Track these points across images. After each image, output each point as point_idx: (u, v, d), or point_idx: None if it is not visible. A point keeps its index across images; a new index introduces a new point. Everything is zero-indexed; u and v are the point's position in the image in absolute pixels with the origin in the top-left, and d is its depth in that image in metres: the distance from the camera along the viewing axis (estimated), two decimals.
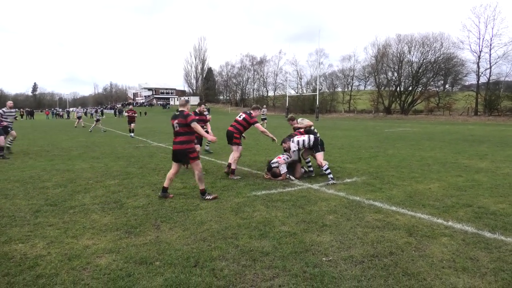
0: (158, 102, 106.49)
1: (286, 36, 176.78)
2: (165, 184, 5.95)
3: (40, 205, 5.45)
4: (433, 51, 50.64)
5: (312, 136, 7.43)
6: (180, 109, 5.91)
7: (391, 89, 55.42)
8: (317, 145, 7.29)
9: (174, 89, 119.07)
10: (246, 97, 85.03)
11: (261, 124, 7.77)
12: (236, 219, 4.78)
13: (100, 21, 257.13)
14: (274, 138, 7.66)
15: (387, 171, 8.19)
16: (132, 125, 19.08)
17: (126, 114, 19.87)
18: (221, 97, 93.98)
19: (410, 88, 53.33)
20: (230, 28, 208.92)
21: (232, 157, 7.50)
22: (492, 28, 44.14)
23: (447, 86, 55.49)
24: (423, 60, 51.49)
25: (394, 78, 55.24)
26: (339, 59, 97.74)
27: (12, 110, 12.05)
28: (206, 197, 5.75)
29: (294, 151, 7.41)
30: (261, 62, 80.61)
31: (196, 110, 9.34)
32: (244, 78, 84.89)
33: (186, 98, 7.72)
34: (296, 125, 8.36)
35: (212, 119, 13.24)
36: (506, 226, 4.40)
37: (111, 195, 6.11)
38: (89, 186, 6.82)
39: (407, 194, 6.06)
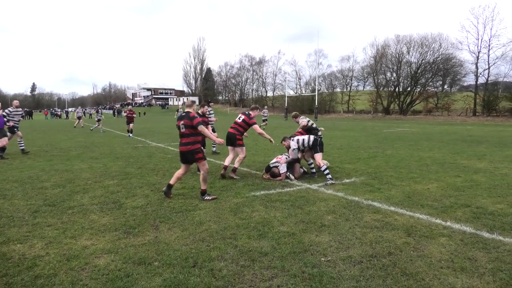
0: (157, 103, 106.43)
1: (285, 36, 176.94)
2: (171, 181, 5.96)
3: (38, 206, 5.44)
4: (431, 51, 50.74)
5: (312, 136, 7.45)
6: (186, 110, 5.92)
7: (390, 89, 55.47)
8: (316, 146, 7.31)
9: (173, 89, 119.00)
10: (245, 98, 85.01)
11: (261, 125, 7.84)
12: (235, 219, 4.78)
13: (99, 22, 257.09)
14: (271, 139, 7.67)
15: (385, 171, 8.21)
16: (131, 125, 19.08)
17: (125, 114, 19.85)
18: (220, 98, 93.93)
19: (409, 89, 53.39)
20: (229, 28, 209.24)
21: (238, 158, 7.56)
22: (491, 29, 44.23)
23: (445, 86, 55.61)
24: (421, 61, 51.56)
25: (393, 78, 55.32)
26: (338, 59, 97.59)
27: (19, 110, 12.02)
28: (206, 198, 5.75)
29: (293, 149, 7.44)
30: (260, 62, 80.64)
31: (199, 111, 9.31)
32: (243, 79, 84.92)
33: (193, 99, 7.70)
34: (297, 121, 8.51)
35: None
36: (504, 226, 4.41)
37: (109, 195, 6.11)
38: (88, 186, 6.81)
39: (406, 194, 6.07)
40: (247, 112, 7.75)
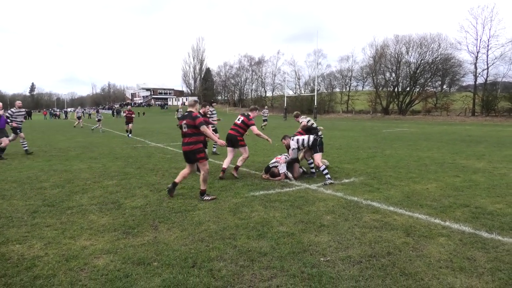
0: (156, 103, 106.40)
1: (285, 36, 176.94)
2: (177, 179, 5.97)
3: (37, 206, 5.43)
4: (430, 51, 50.77)
5: (311, 136, 7.48)
6: (188, 109, 5.92)
7: (389, 89, 55.49)
8: (316, 146, 7.32)
9: (172, 89, 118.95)
10: (244, 98, 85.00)
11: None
12: (234, 219, 4.78)
13: (99, 22, 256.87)
14: (269, 139, 7.72)
15: (384, 171, 8.21)
16: (130, 125, 19.06)
17: (124, 114, 19.83)
18: (219, 98, 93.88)
19: (408, 89, 53.42)
20: (228, 28, 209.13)
21: (241, 157, 7.65)
22: (490, 29, 44.27)
23: (444, 86, 55.61)
24: (420, 61, 51.60)
25: (392, 78, 55.33)
26: (337, 59, 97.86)
27: (22, 110, 12.00)
28: (205, 198, 5.75)
29: (293, 149, 7.47)
30: (259, 62, 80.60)
31: (200, 111, 9.30)
32: (242, 79, 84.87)
33: (195, 98, 7.68)
34: (298, 120, 8.59)
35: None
36: (503, 226, 4.42)
37: (109, 195, 6.10)
38: (87, 186, 6.80)
39: (405, 194, 6.07)
40: (246, 113, 7.78)
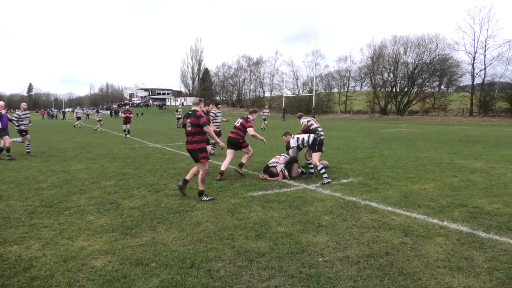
0: (155, 103, 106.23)
1: (283, 37, 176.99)
2: (188, 176, 6.01)
3: (35, 206, 5.42)
4: (428, 52, 50.87)
5: (312, 136, 7.53)
6: (193, 108, 5.93)
7: (387, 90, 55.59)
8: (315, 145, 7.37)
9: (171, 89, 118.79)
10: (242, 98, 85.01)
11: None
12: (232, 220, 4.78)
13: (97, 22, 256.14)
14: (264, 139, 7.87)
15: (382, 171, 8.23)
16: (128, 125, 19.00)
17: (122, 115, 19.78)
18: (218, 98, 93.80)
19: (406, 89, 53.52)
20: (227, 28, 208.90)
21: (246, 155, 7.85)
22: (487, 30, 44.41)
23: (442, 87, 55.70)
24: (418, 61, 51.68)
25: (390, 79, 55.42)
26: (335, 60, 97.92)
27: (27, 112, 12.03)
28: (203, 198, 5.74)
29: (293, 147, 7.53)
30: (258, 63, 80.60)
31: (203, 109, 9.34)
32: (240, 79, 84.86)
33: (200, 97, 7.80)
34: (300, 121, 8.76)
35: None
36: (501, 226, 4.44)
37: (107, 196, 6.09)
38: (85, 187, 6.79)
39: (403, 194, 6.09)
40: (245, 116, 7.90)
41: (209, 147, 8.54)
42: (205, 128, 5.72)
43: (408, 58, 52.86)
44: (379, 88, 57.21)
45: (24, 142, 11.67)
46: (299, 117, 9.15)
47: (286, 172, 7.41)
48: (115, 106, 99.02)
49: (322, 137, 7.85)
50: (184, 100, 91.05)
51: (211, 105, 9.74)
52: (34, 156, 11.27)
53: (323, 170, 7.10)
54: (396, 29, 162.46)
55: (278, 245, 3.90)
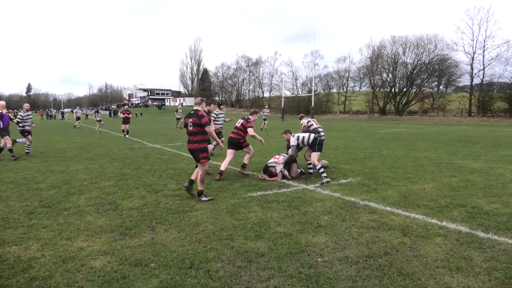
0: (154, 103, 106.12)
1: (282, 37, 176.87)
2: (193, 176, 6.03)
3: (34, 207, 5.41)
4: (427, 52, 50.92)
5: (312, 135, 7.55)
6: (195, 108, 5.95)
7: (386, 90, 55.64)
8: (315, 145, 7.39)
9: (170, 90, 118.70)
10: (241, 98, 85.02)
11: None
12: (231, 220, 4.78)
13: (96, 22, 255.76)
14: (262, 140, 7.99)
15: (382, 171, 8.24)
16: (127, 126, 18.97)
17: (121, 115, 19.75)
18: (217, 98, 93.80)
19: (405, 89, 53.58)
20: (226, 29, 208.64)
21: (247, 156, 7.94)
22: (486, 30, 44.50)
23: (441, 87, 55.82)
24: (417, 62, 51.75)
25: (388, 79, 55.48)
26: (334, 60, 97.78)
27: (29, 113, 12.07)
28: (202, 199, 5.74)
29: (292, 145, 7.56)
30: (257, 63, 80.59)
31: (205, 109, 9.40)
32: (239, 79, 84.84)
33: (202, 97, 7.89)
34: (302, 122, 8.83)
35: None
36: (499, 226, 4.44)
37: (106, 196, 6.09)
38: (84, 187, 6.78)
39: (402, 194, 6.09)
40: (246, 117, 7.97)
41: (210, 146, 8.62)
42: (206, 128, 5.74)
43: (407, 58, 52.99)
44: (378, 89, 57.27)
45: (25, 143, 11.70)
46: (300, 118, 9.24)
47: (286, 172, 7.42)
48: (114, 106, 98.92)
49: (322, 137, 7.88)
50: (183, 101, 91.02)
51: (212, 105, 9.78)
52: (33, 156, 11.25)
53: (322, 170, 7.12)
54: (395, 29, 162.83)
55: (277, 245, 3.90)
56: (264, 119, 25.93)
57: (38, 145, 15.01)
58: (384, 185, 6.80)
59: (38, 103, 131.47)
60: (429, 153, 11.41)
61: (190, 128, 5.79)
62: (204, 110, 6.16)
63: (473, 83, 46.71)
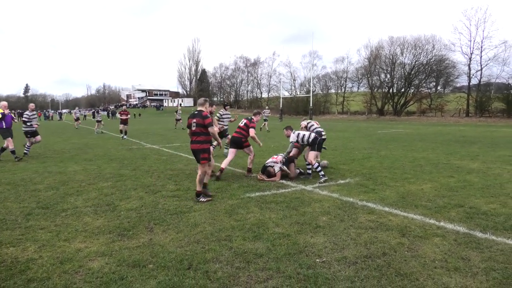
0: (152, 104, 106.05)
1: (280, 38, 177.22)
2: (204, 181, 6.02)
3: (31, 208, 5.39)
4: (425, 53, 51.04)
5: (313, 134, 7.58)
6: (198, 108, 5.98)
7: (384, 90, 55.73)
8: (315, 144, 7.42)
9: (168, 90, 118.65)
10: (240, 99, 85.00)
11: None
12: (230, 221, 4.78)
13: (93, 23, 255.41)
14: (260, 144, 8.15)
15: (380, 172, 8.25)
16: (125, 126, 18.89)
17: (119, 116, 19.67)
18: (215, 99, 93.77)
19: (403, 90, 53.68)
20: (224, 30, 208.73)
21: (249, 159, 7.97)
22: (483, 31, 44.65)
23: (439, 87, 56.00)
24: (415, 62, 51.86)
25: (386, 79, 55.58)
26: (333, 61, 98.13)
27: (34, 112, 12.08)
28: (200, 199, 5.74)
29: (291, 142, 7.62)
30: (255, 63, 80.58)
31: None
32: (238, 80, 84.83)
33: (205, 98, 8.01)
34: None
35: None
36: (497, 226, 4.46)
37: (103, 197, 6.07)
38: (82, 188, 6.76)
39: (400, 195, 6.10)
40: (249, 118, 8.08)
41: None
42: (209, 129, 5.77)
43: (404, 59, 53.10)
44: (376, 89, 57.36)
45: (28, 144, 11.67)
46: (302, 120, 9.35)
47: (285, 167, 7.46)
48: (112, 107, 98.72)
49: (324, 137, 7.95)
50: (182, 101, 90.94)
51: (214, 106, 9.88)
52: (30, 157, 11.21)
53: (319, 168, 7.17)
54: (392, 30, 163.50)
55: (275, 246, 3.89)
56: (265, 120, 25.84)
57: (36, 146, 14.94)
58: (382, 186, 6.81)
59: (35, 104, 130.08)
60: (427, 154, 11.44)
61: (193, 129, 5.81)
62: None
63: (470, 84, 46.87)
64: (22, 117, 11.80)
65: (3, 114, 10.40)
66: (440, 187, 6.63)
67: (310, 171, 7.75)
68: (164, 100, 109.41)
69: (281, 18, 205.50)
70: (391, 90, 54.64)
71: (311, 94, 48.30)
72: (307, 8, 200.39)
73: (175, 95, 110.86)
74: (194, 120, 5.80)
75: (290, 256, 3.64)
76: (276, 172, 7.30)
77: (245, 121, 7.99)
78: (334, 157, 10.89)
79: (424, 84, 54.01)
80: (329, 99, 64.64)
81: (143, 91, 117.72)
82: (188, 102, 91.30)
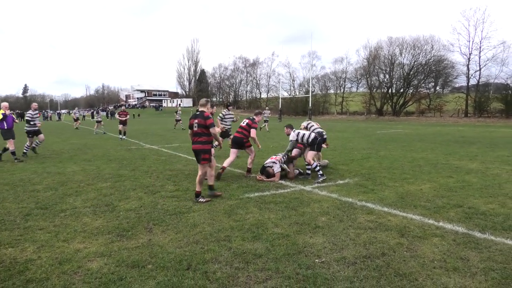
0: (151, 104, 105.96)
1: (279, 38, 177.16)
2: (210, 182, 6.05)
3: (30, 209, 5.38)
4: (424, 53, 51.09)
5: (313, 134, 7.59)
6: (200, 109, 5.98)
7: (383, 91, 55.78)
8: (314, 144, 7.43)
9: (167, 91, 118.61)
10: (239, 99, 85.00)
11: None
12: (229, 221, 4.77)
13: (92, 23, 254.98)
14: (259, 146, 8.20)
15: (379, 172, 8.26)
16: (124, 127, 18.83)
17: (118, 117, 19.62)
18: (214, 99, 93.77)
19: (402, 90, 53.74)
20: (223, 30, 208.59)
21: (250, 159, 7.98)
22: (482, 31, 44.61)
23: (437, 88, 56.04)
24: (414, 63, 51.92)
25: (385, 80, 55.61)
26: (332, 61, 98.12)
27: (37, 112, 12.15)
28: (199, 200, 5.74)
29: (291, 140, 7.64)
30: (254, 64, 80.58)
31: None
32: (237, 80, 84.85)
33: (206, 98, 8.07)
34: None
35: None
36: (496, 226, 4.46)
37: (102, 198, 6.06)
38: (81, 189, 6.76)
39: (399, 195, 6.11)
40: (251, 117, 8.11)
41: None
42: (211, 130, 5.79)
43: (403, 59, 53.15)
44: (375, 89, 57.42)
45: (28, 144, 11.69)
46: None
47: (285, 166, 7.49)
48: (111, 107, 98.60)
49: (324, 137, 7.98)
50: (181, 101, 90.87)
51: (215, 107, 9.96)
52: (29, 157, 11.19)
53: (318, 168, 7.19)
54: (391, 30, 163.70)
55: (274, 246, 3.89)
56: (265, 121, 25.74)
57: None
58: (381, 186, 6.81)
59: None
60: (426, 154, 11.45)
61: (195, 129, 5.84)
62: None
63: (469, 84, 46.89)
64: (25, 116, 11.84)
65: (4, 114, 10.40)
66: (439, 187, 6.64)
67: (309, 171, 7.76)
68: (163, 101, 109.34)
69: (280, 18, 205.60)
70: (390, 91, 54.70)
71: (310, 95, 48.33)
72: (305, 8, 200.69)
73: (174, 95, 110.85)
74: (196, 121, 5.82)
75: (289, 256, 3.64)
76: (275, 172, 7.30)
77: (247, 121, 8.01)
78: (333, 157, 10.90)
79: (423, 85, 54.10)
80: (328, 99, 64.67)
81: (142, 91, 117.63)
82: (187, 102, 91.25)
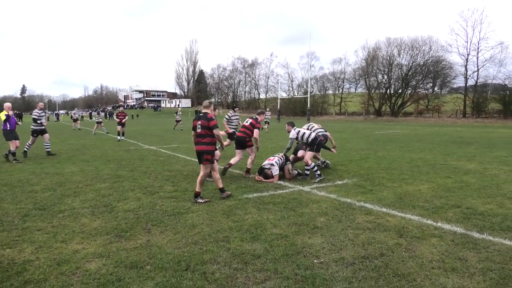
0: (149, 105, 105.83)
1: (278, 39, 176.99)
2: (219, 186, 6.05)
3: (28, 209, 5.37)
4: (422, 54, 51.20)
5: (313, 134, 7.61)
6: (203, 111, 6.01)
7: (381, 91, 55.88)
8: (314, 145, 7.44)
9: (166, 91, 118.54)
10: (237, 100, 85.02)
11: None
12: (227, 222, 4.77)
13: (91, 23, 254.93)
14: (259, 147, 8.19)
15: (377, 173, 8.27)
16: (123, 128, 18.78)
17: (116, 118, 19.58)
18: (213, 100, 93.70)
19: (400, 91, 53.84)
20: (222, 30, 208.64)
21: (250, 159, 8.01)
22: (480, 32, 44.77)
23: (436, 88, 56.12)
24: (412, 63, 52.01)
25: (384, 80, 55.72)
26: (330, 62, 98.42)
27: (42, 111, 12.15)
28: (198, 200, 5.74)
29: (291, 138, 7.67)
30: (253, 64, 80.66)
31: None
32: (235, 81, 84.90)
33: (211, 99, 8.14)
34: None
35: None
36: (494, 227, 4.47)
37: (101, 198, 6.05)
38: (79, 189, 6.74)
39: (397, 195, 6.12)
40: (254, 117, 8.13)
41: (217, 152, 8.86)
42: (214, 131, 5.80)
43: (402, 60, 53.24)
44: (373, 90, 57.50)
45: (29, 143, 11.70)
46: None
47: (290, 166, 7.62)
48: (109, 108, 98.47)
49: (327, 136, 8.03)
50: (180, 102, 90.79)
51: (216, 110, 9.97)
52: (27, 158, 11.16)
53: (316, 168, 7.22)
54: (390, 31, 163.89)
55: (273, 247, 3.89)
56: (266, 122, 25.65)
57: (33, 146, 14.87)
58: (379, 186, 6.82)
59: (32, 104, 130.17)
60: (424, 154, 11.48)
61: (199, 130, 5.85)
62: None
63: (467, 85, 47.02)
64: (32, 115, 11.88)
65: (7, 115, 10.39)
66: (437, 188, 6.66)
67: (308, 172, 7.76)
68: (161, 101, 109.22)
69: (278, 19, 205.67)
70: (388, 91, 54.79)
71: (308, 95, 48.37)
72: (304, 9, 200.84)
73: (173, 96, 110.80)
74: (199, 122, 5.84)
75: (288, 257, 3.64)
76: (273, 175, 7.30)
77: (250, 120, 8.01)
78: (332, 157, 10.90)
79: (421, 85, 54.20)
80: (327, 100, 64.78)
81: (140, 92, 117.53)
82: (185, 103, 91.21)
